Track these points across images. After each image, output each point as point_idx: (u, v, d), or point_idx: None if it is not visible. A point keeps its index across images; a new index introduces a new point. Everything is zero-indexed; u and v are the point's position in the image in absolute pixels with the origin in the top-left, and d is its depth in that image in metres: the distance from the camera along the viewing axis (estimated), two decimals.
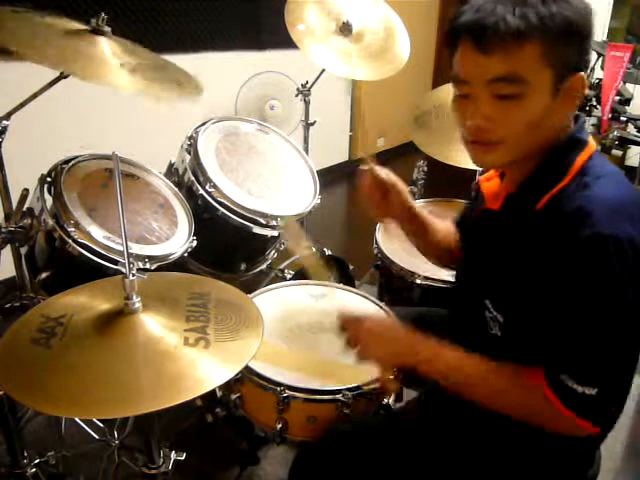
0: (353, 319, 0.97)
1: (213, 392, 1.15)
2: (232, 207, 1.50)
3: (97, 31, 1.18)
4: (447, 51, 0.84)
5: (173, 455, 0.92)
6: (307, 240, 1.27)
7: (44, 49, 1.07)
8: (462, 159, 1.72)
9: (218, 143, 1.63)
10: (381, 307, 1.29)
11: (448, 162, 1.77)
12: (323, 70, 1.92)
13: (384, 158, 4.55)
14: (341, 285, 1.40)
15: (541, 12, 0.74)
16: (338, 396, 1.02)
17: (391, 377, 1.00)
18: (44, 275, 1.30)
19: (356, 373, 1.07)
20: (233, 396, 1.10)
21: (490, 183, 0.98)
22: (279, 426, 1.05)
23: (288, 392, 1.02)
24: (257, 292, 1.33)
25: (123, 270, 0.78)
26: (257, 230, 1.54)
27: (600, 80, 3.38)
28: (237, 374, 0.77)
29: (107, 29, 1.19)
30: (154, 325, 0.79)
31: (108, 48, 1.17)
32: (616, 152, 3.68)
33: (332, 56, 1.81)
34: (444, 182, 2.19)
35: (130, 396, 0.70)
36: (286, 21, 1.77)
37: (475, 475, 0.92)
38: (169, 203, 1.47)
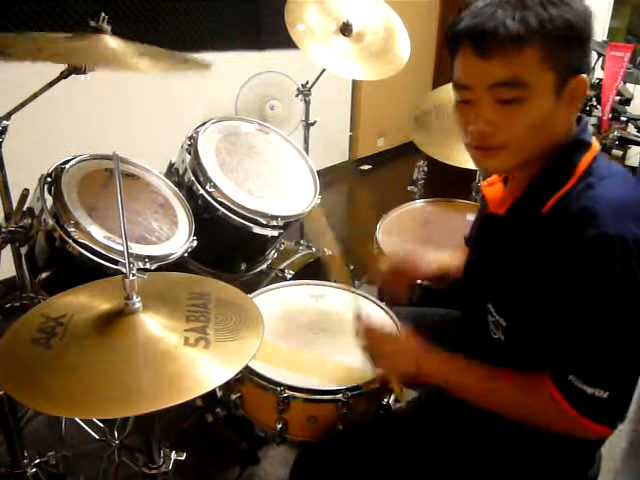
0: (374, 334, 1.00)
1: (213, 392, 1.15)
2: (232, 207, 1.50)
3: (99, 30, 1.19)
4: (447, 53, 0.84)
5: (173, 455, 0.92)
6: (331, 233, 1.26)
7: (57, 50, 1.10)
8: (462, 159, 1.72)
9: (218, 143, 1.63)
10: (381, 307, 1.29)
11: (448, 162, 1.77)
12: (323, 70, 1.92)
13: (384, 158, 4.58)
14: (341, 285, 1.39)
15: (541, 16, 0.73)
16: (338, 396, 1.02)
17: (401, 386, 1.01)
18: (44, 275, 1.30)
19: (356, 373, 1.07)
20: (233, 396, 1.10)
21: (493, 188, 0.97)
22: (279, 426, 1.04)
23: (288, 392, 1.02)
24: (257, 292, 1.33)
25: (123, 270, 0.78)
26: (257, 230, 1.54)
27: (600, 80, 3.37)
28: (237, 374, 0.77)
29: (107, 27, 1.20)
30: (154, 325, 0.79)
31: (113, 42, 1.17)
32: (616, 152, 3.69)
33: (332, 56, 1.82)
34: (444, 182, 2.18)
35: (130, 396, 0.70)
36: (286, 21, 1.77)
37: (475, 475, 0.92)
38: (169, 203, 1.46)
